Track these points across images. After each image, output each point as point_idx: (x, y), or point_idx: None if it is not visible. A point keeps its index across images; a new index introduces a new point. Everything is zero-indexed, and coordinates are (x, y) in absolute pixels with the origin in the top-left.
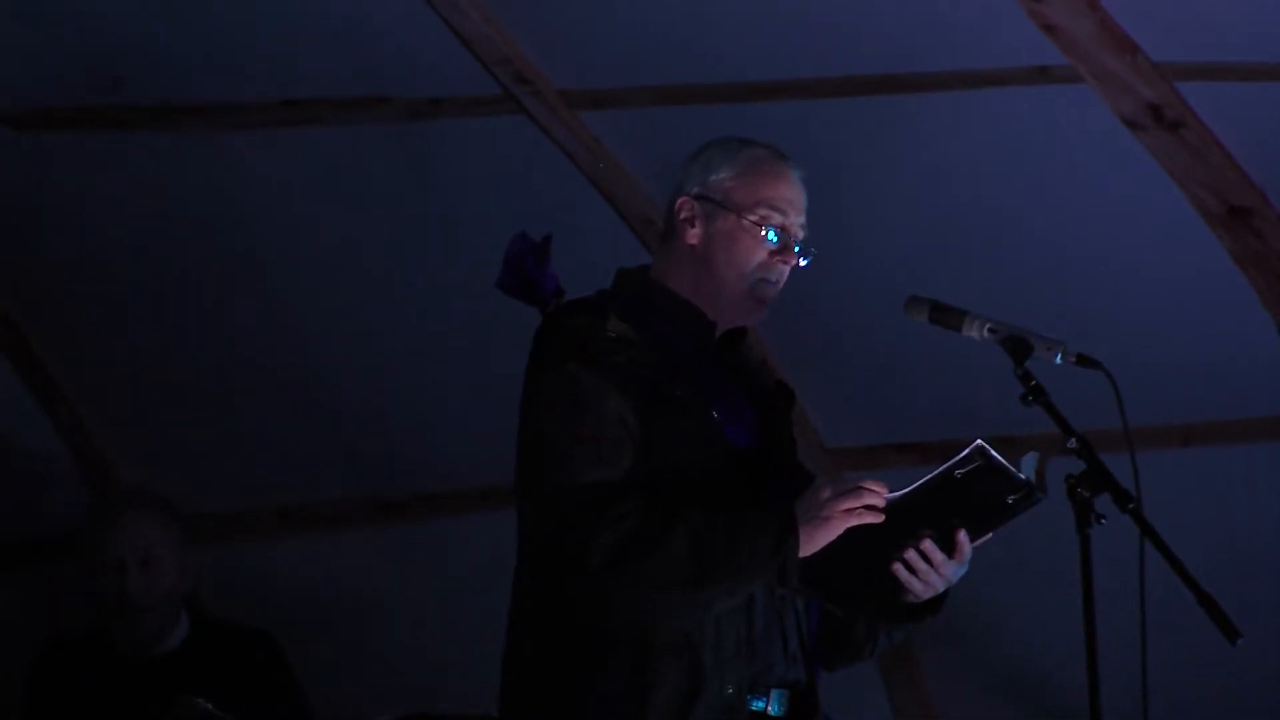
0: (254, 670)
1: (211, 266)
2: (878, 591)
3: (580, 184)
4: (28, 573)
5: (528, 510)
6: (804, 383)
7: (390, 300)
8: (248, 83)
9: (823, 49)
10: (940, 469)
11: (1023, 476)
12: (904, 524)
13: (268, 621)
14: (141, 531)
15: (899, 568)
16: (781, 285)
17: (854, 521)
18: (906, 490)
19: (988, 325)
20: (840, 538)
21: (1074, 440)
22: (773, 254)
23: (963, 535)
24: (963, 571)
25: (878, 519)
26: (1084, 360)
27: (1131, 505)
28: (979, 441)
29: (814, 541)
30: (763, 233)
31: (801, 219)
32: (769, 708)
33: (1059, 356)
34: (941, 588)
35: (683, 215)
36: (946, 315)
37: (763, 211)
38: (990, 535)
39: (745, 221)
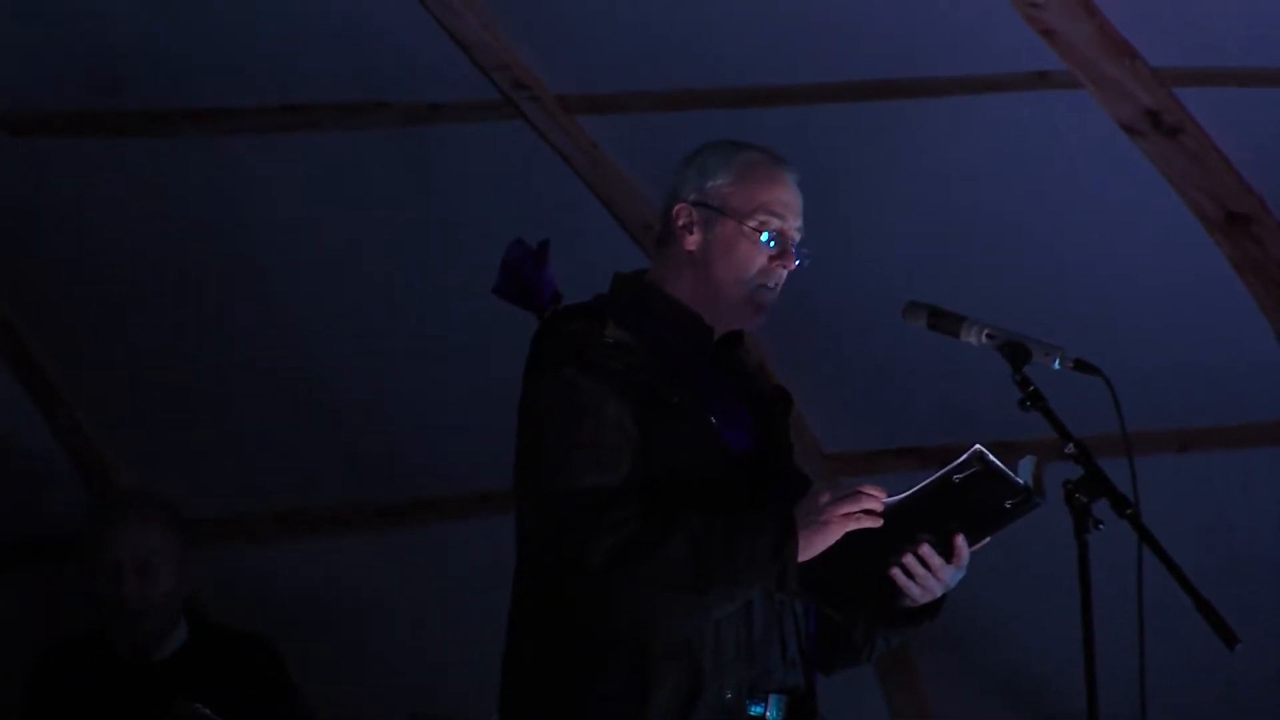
0: (252, 675)
1: (211, 269)
2: (876, 596)
3: (578, 189)
4: (27, 574)
5: (527, 512)
6: (803, 388)
7: (390, 304)
8: (247, 87)
9: (821, 54)
10: (938, 474)
11: (1021, 481)
12: (902, 529)
13: (268, 624)
14: (140, 537)
15: (897, 572)
16: (779, 289)
17: (852, 526)
18: (905, 495)
19: (986, 330)
20: (839, 542)
21: (1072, 445)
22: (771, 259)
23: (961, 540)
24: (961, 576)
25: (876, 523)
26: (1082, 365)
27: (1129, 510)
28: (977, 446)
29: (813, 546)
30: (761, 238)
31: (798, 222)
32: (767, 713)
33: (1057, 362)
34: (939, 592)
35: (680, 221)
36: (945, 320)
37: (761, 217)
38: (988, 540)
39: (744, 227)
